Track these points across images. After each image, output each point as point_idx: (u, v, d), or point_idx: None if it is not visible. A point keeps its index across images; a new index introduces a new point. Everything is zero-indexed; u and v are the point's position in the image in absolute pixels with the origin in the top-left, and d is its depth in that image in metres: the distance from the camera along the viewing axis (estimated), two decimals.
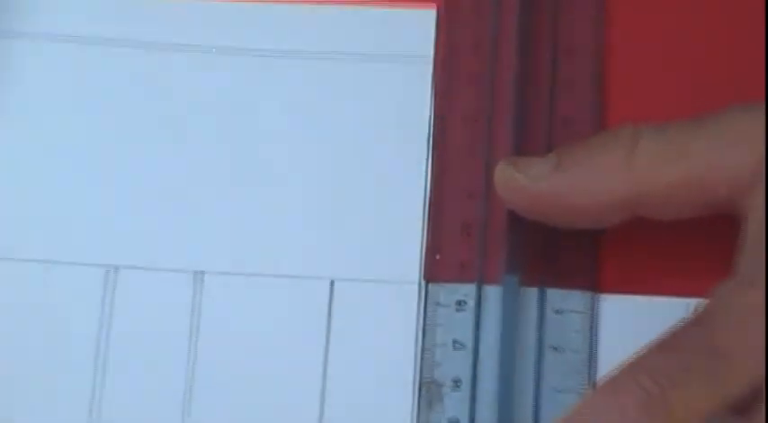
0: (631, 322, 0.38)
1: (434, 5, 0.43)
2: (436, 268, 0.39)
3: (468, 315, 0.38)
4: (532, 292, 0.38)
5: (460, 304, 0.39)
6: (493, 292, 0.38)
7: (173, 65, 0.43)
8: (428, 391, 0.38)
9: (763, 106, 0.38)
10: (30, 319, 0.41)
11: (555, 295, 0.38)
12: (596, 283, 0.38)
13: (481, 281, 0.38)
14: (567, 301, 0.38)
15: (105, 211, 0.42)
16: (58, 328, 0.41)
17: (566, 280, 0.39)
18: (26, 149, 0.43)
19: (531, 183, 0.38)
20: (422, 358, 0.38)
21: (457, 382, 0.38)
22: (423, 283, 0.39)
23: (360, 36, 0.43)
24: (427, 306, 0.39)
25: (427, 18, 0.43)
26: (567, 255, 0.40)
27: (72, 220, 0.42)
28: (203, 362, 0.39)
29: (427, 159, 0.41)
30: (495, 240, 0.39)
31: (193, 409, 0.39)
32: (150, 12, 0.44)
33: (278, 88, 0.43)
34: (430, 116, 0.41)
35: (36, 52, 0.44)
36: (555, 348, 0.38)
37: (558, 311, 0.39)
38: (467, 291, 0.39)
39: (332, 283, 0.39)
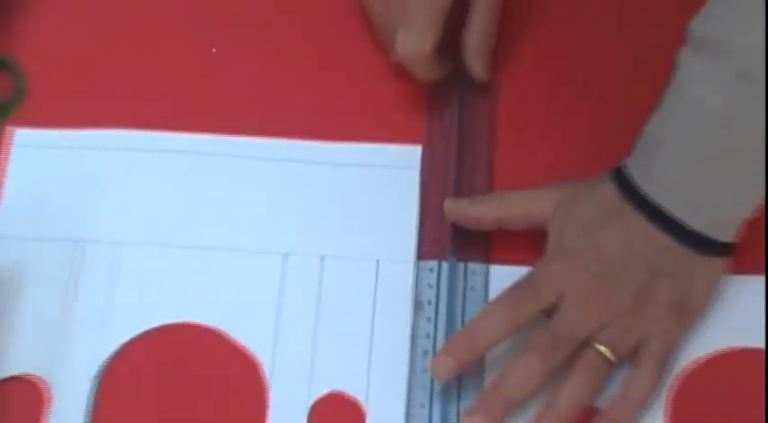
0: (505, 276, 0.61)
1: (420, 144, 0.68)
2: (423, 254, 0.64)
3: (434, 274, 0.63)
4: (461, 264, 0.64)
5: (431, 269, 0.64)
6: (445, 264, 0.64)
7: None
8: (417, 305, 0.63)
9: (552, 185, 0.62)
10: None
11: (471, 265, 0.64)
12: (488, 259, 0.64)
13: (440, 259, 0.64)
14: (475, 267, 0.64)
15: (277, 221, 0.65)
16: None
17: (474, 257, 0.64)
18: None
19: (461, 209, 0.64)
20: (415, 291, 0.63)
21: (429, 302, 0.63)
22: (416, 260, 0.64)
23: (378, 157, 0.67)
24: (418, 270, 0.64)
25: (416, 150, 0.67)
26: (475, 245, 0.64)
27: (252, 227, 0.65)
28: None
29: (418, 207, 0.65)
30: (446, 239, 0.64)
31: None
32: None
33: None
34: (420, 189, 0.66)
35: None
36: (472, 289, 0.63)
37: (473, 273, 0.63)
38: (434, 264, 0.64)
39: (378, 262, 0.64)
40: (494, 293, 0.62)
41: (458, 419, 0.60)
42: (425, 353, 0.62)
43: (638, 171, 0.60)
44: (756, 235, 0.62)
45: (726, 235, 0.60)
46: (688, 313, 0.61)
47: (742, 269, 0.63)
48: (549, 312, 0.59)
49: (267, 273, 0.65)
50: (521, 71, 0.70)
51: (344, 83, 0.70)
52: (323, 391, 0.62)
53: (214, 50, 0.71)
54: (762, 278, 0.63)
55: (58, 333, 0.63)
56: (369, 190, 0.67)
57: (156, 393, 0.62)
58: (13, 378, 0.62)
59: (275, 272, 0.65)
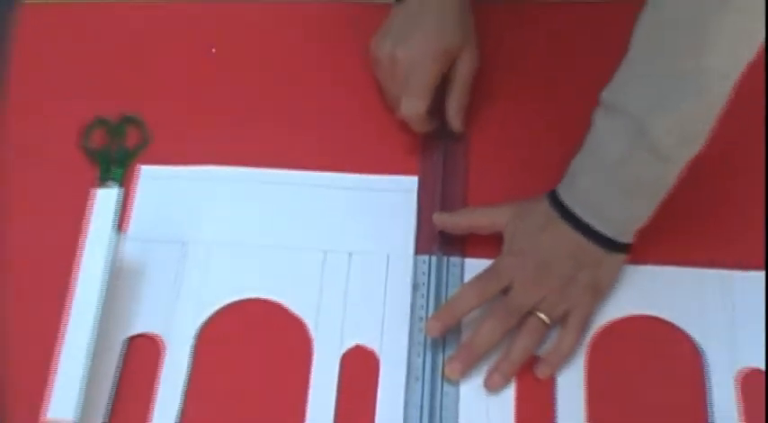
0: (476, 267, 0.74)
1: (416, 175, 0.79)
2: (418, 250, 0.77)
3: (426, 264, 0.77)
4: (445, 258, 0.77)
5: (424, 261, 0.77)
6: (434, 258, 0.77)
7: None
8: (415, 286, 0.76)
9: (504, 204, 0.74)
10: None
11: (452, 259, 0.77)
12: (464, 254, 0.76)
13: (430, 254, 0.77)
14: (455, 260, 0.77)
15: (319, 228, 0.78)
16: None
17: (454, 253, 0.77)
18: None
19: (444, 220, 0.76)
20: (414, 276, 0.76)
21: (423, 284, 0.76)
22: (414, 255, 0.77)
23: (388, 184, 0.79)
24: (416, 261, 0.77)
25: (414, 180, 0.80)
26: (454, 244, 0.77)
27: (300, 229, 0.78)
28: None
29: (416, 218, 0.78)
30: (435, 240, 0.77)
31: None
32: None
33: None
34: (417, 206, 0.78)
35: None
36: (453, 275, 0.76)
37: (453, 264, 0.76)
38: (426, 258, 0.77)
39: (388, 256, 0.77)
40: (467, 278, 0.76)
41: (443, 365, 0.73)
42: (420, 319, 0.76)
43: (565, 192, 0.73)
44: (643, 236, 0.74)
45: (625, 238, 0.73)
46: (599, 292, 0.74)
47: (636, 260, 0.77)
48: (506, 291, 0.73)
49: (312, 263, 0.78)
50: (486, 125, 0.84)
51: (365, 133, 0.84)
52: (350, 344, 0.75)
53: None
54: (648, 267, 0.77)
55: (170, 304, 0.78)
56: (382, 207, 0.80)
57: (236, 346, 0.77)
58: (139, 335, 0.77)
59: (318, 263, 0.78)
